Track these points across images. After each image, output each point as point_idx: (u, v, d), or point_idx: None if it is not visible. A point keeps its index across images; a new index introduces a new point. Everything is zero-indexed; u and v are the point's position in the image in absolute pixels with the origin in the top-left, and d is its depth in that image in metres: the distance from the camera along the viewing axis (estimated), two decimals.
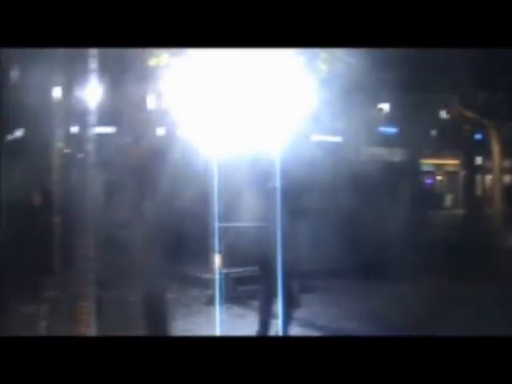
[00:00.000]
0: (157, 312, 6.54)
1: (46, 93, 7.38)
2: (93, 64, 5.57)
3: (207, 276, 7.83)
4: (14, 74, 8.91)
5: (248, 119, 6.39)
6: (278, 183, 6.62)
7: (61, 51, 5.71)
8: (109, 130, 6.69)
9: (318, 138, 11.82)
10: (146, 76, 6.10)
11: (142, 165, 6.37)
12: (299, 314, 7.56)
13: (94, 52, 5.50)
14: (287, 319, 6.93)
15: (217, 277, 6.55)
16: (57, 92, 6.90)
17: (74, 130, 5.92)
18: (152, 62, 5.94)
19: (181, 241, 6.47)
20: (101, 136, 5.84)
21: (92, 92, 5.66)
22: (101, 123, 5.83)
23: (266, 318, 7.02)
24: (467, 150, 22.43)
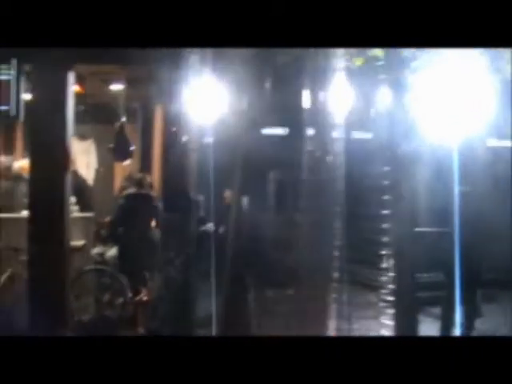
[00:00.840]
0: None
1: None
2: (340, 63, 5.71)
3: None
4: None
5: (429, 121, 6.34)
6: (461, 188, 6.46)
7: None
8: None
9: (497, 142, 11.33)
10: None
11: None
12: (479, 323, 7.41)
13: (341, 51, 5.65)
14: (468, 328, 6.77)
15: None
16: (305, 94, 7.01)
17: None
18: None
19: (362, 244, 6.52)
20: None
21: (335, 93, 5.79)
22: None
23: (448, 326, 6.88)
24: None
